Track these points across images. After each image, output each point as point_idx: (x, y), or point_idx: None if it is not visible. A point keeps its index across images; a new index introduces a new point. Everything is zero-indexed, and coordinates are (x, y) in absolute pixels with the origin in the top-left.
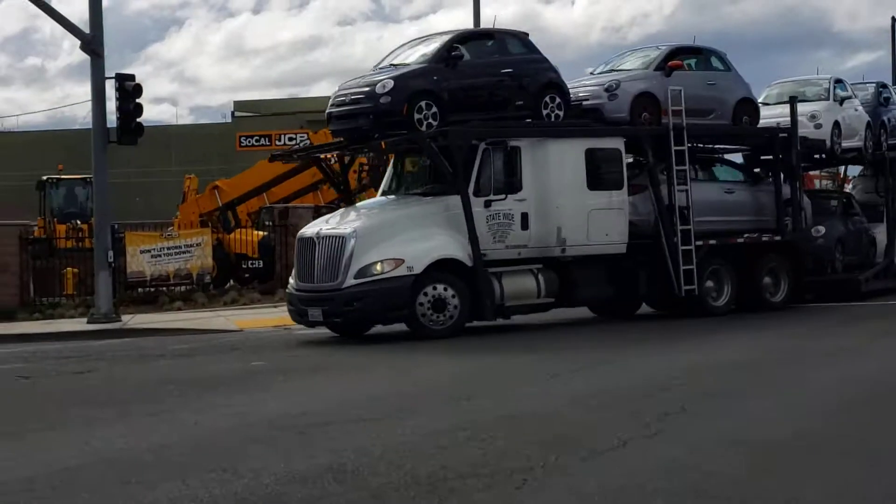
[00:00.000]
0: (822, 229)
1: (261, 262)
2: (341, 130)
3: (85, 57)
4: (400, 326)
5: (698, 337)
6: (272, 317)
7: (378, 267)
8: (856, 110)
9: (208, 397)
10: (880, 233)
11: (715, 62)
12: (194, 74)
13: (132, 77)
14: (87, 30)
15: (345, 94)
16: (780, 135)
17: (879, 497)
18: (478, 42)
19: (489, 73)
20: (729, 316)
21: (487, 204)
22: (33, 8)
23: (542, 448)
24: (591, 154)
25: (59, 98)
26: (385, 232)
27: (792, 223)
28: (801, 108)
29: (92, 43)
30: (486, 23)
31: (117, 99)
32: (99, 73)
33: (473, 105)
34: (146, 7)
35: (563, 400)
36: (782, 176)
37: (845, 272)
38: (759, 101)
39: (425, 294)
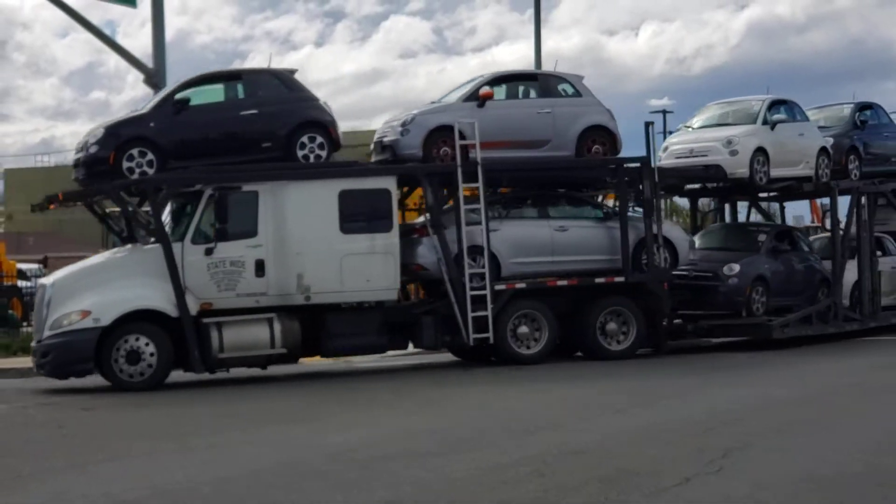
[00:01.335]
0: (735, 268)
1: None
2: (75, 179)
3: (149, 91)
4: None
5: (758, 371)
6: None
7: (67, 319)
8: (801, 135)
9: (268, 429)
10: (848, 271)
11: (560, 88)
12: None
13: None
14: (150, 64)
15: (79, 142)
16: (628, 165)
17: None
18: (218, 85)
19: (224, 116)
20: (787, 350)
21: (208, 251)
22: (98, 42)
23: (605, 483)
24: (347, 196)
25: None
26: (87, 281)
27: (648, 263)
28: (719, 132)
29: (155, 77)
30: (547, 55)
31: None
32: None
33: (204, 150)
34: (209, 41)
35: (626, 435)
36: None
37: (774, 314)
38: (685, 124)
39: (117, 348)
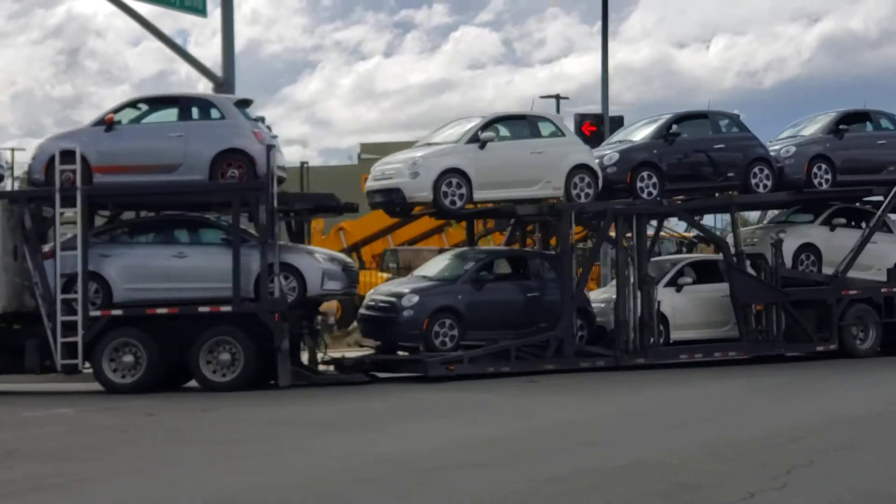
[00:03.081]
0: (413, 298)
1: None
2: None
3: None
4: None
5: (817, 388)
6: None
7: None
8: (538, 153)
9: (325, 437)
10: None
11: (203, 111)
12: (325, 116)
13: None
14: (220, 73)
15: None
16: (252, 189)
17: None
18: None
19: None
20: (841, 366)
21: None
22: (169, 51)
23: (666, 498)
24: None
25: None
26: None
27: (262, 292)
28: (411, 153)
29: (224, 86)
30: (617, 67)
31: None
32: None
33: None
34: (279, 51)
35: (688, 449)
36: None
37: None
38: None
39: None
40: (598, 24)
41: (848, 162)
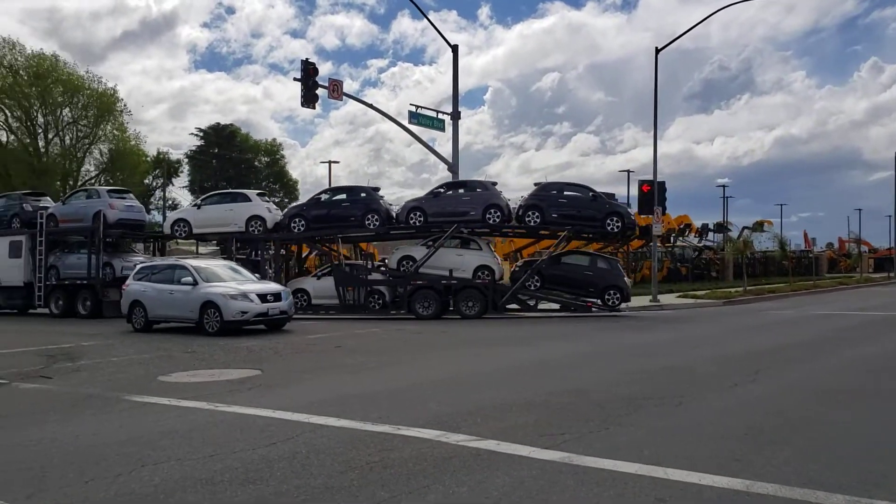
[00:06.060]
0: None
1: None
2: None
3: (448, 174)
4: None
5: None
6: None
7: None
8: (230, 210)
9: (496, 349)
10: None
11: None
12: (503, 183)
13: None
14: (450, 160)
15: None
16: (94, 229)
17: None
18: None
19: None
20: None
21: None
22: (425, 150)
23: (686, 385)
24: None
25: None
26: None
27: (97, 274)
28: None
29: (452, 167)
30: (659, 154)
31: None
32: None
33: None
34: (480, 147)
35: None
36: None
37: None
38: None
39: None
40: (652, 131)
41: (437, 210)
